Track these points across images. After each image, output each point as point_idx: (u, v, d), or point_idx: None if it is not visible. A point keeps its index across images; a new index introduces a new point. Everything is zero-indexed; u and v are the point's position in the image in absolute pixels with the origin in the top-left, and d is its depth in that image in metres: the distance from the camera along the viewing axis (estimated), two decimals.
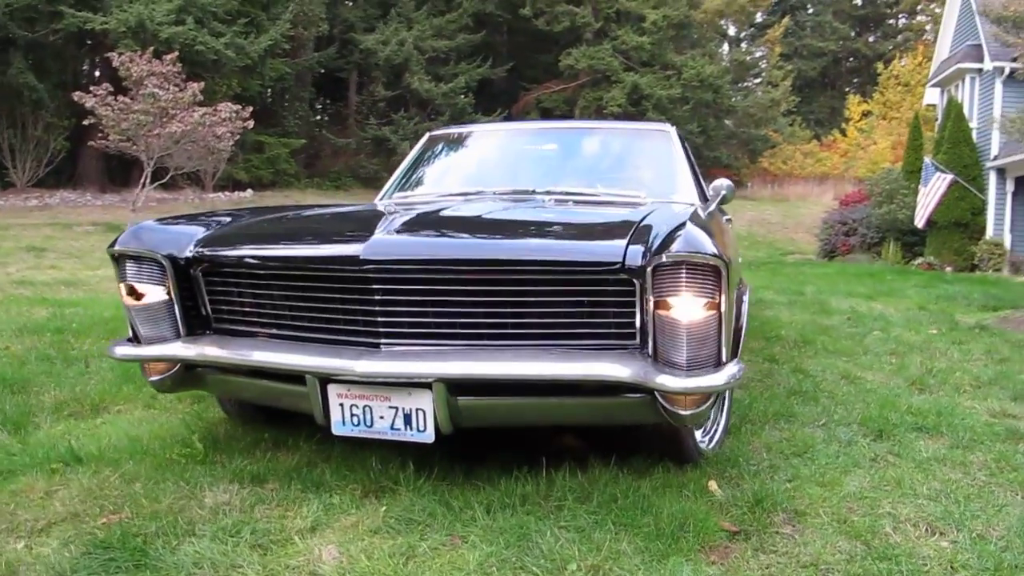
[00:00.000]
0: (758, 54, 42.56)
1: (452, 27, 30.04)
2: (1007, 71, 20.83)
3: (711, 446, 3.41)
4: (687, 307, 2.59)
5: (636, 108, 32.28)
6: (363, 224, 3.25)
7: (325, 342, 2.81)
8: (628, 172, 4.57)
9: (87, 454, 3.13)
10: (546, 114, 34.16)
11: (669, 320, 2.60)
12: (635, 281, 2.63)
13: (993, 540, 2.71)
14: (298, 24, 24.88)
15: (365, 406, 2.72)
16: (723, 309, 2.60)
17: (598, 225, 3.28)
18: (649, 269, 2.58)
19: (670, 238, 2.66)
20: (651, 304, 2.61)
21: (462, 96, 30.47)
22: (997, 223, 20.44)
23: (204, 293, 3.02)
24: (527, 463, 3.07)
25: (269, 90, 26.74)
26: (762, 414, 4.01)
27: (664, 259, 2.56)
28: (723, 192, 4.28)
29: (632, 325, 2.71)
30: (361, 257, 2.64)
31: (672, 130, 4.81)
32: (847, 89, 50.96)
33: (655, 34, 32.30)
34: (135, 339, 3.06)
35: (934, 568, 2.51)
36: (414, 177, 4.77)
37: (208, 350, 2.88)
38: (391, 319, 2.71)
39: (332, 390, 2.73)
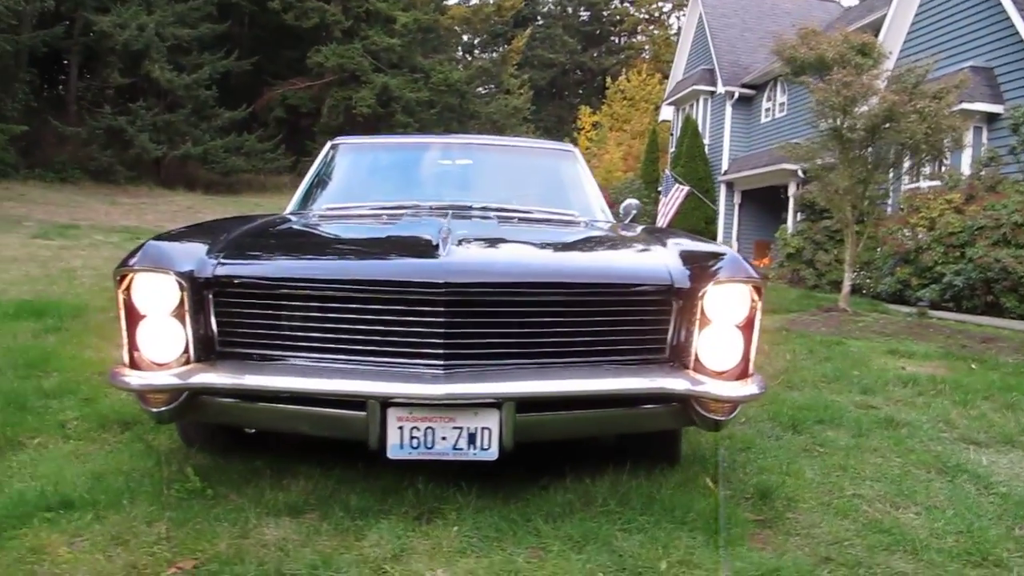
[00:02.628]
0: (491, 60, 44.10)
1: (195, 15, 28.36)
2: (736, 95, 23.34)
3: None
4: (733, 323, 2.88)
5: (385, 109, 32.38)
6: (409, 241, 3.18)
7: (373, 364, 2.72)
8: (549, 190, 4.73)
9: (78, 498, 2.78)
10: (292, 111, 33.32)
11: (716, 335, 2.86)
12: (674, 300, 2.85)
13: (943, 509, 3.23)
14: None
15: (427, 428, 2.68)
16: (757, 324, 2.89)
17: (621, 247, 3.42)
18: (702, 290, 2.79)
19: (712, 262, 2.92)
20: (695, 320, 2.84)
21: (204, 88, 28.88)
22: (727, 231, 22.86)
23: (213, 314, 2.79)
24: (543, 475, 3.16)
25: None
26: None
27: (717, 281, 2.80)
28: (633, 211, 4.63)
29: (663, 340, 2.91)
30: (440, 280, 2.61)
31: (576, 150, 5.08)
32: (574, 100, 54.27)
33: (405, 36, 32.57)
34: (133, 365, 2.77)
35: (923, 535, 2.94)
36: (335, 187, 4.62)
37: (246, 378, 2.67)
38: (454, 340, 2.69)
39: (392, 414, 2.66)
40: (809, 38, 9.59)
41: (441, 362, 2.69)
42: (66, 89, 30.12)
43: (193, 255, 2.78)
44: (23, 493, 2.79)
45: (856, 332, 8.39)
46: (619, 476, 3.20)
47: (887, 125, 8.70)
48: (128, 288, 2.73)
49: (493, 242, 3.25)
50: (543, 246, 3.46)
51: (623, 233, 3.72)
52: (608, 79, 43.64)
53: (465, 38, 48.62)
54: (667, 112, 29.17)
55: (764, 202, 23.09)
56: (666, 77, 40.53)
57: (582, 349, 2.85)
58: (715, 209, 22.84)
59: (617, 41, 56.25)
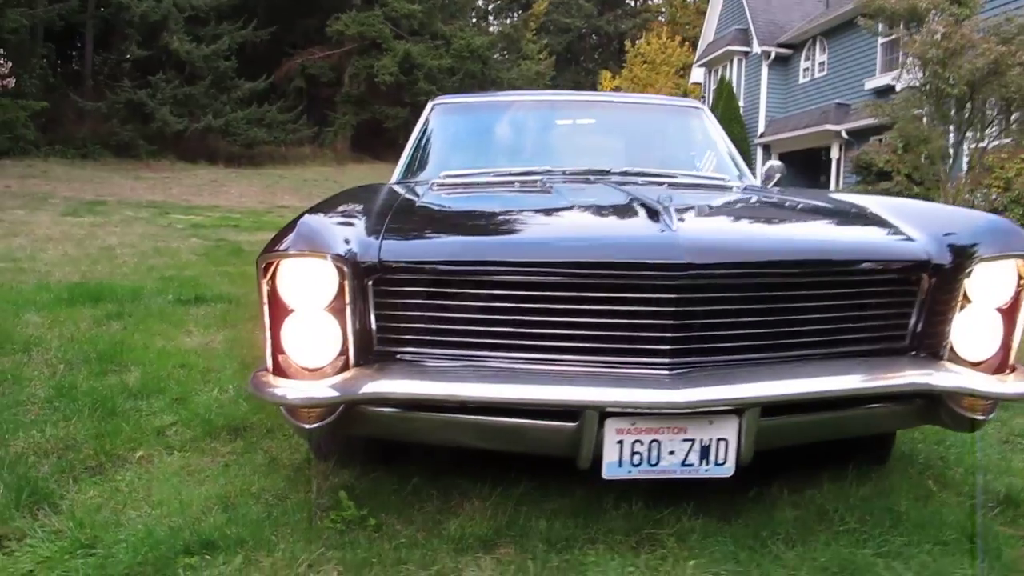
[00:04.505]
0: (511, 25, 43.10)
1: None
2: (773, 55, 22.57)
3: None
4: (995, 305, 2.40)
5: (408, 77, 31.60)
6: (617, 212, 2.64)
7: (577, 364, 2.21)
8: (686, 151, 4.21)
9: (218, 535, 2.27)
10: (312, 81, 32.63)
11: (975, 319, 2.38)
12: (926, 278, 2.33)
13: None
14: None
15: (652, 441, 2.17)
16: None
17: (839, 218, 2.88)
18: (968, 266, 2.29)
19: (974, 231, 2.42)
20: (951, 302, 2.35)
21: (223, 60, 28.22)
22: None
23: (372, 307, 2.26)
24: (746, 481, 2.65)
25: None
26: None
27: (984, 257, 2.32)
28: (777, 175, 4.11)
29: (904, 326, 2.41)
30: (680, 260, 2.08)
31: (705, 107, 4.54)
32: (590, 65, 53.46)
33: (425, 2, 31.74)
34: (277, 371, 2.25)
35: None
36: (446, 151, 4.09)
37: (432, 386, 2.15)
38: (683, 333, 2.18)
39: (610, 426, 2.15)
40: None
41: (667, 360, 2.18)
42: (82, 64, 29.47)
43: (353, 234, 2.25)
44: (151, 530, 2.29)
45: None
46: (838, 483, 2.71)
47: (990, 79, 8.06)
48: (273, 277, 2.20)
49: (709, 213, 2.71)
50: (762, 218, 2.92)
51: (815, 200, 3.18)
52: (627, 43, 42.83)
53: (480, 3, 47.64)
54: (698, 74, 28.41)
55: (802, 165, 22.41)
56: (685, 40, 39.83)
57: (819, 339, 2.34)
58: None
59: (633, 4, 55.20)
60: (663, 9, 52.86)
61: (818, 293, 2.31)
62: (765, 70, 23.34)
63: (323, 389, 2.13)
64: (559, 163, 3.72)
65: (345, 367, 2.23)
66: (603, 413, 2.14)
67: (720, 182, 3.73)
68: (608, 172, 3.59)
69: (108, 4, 26.09)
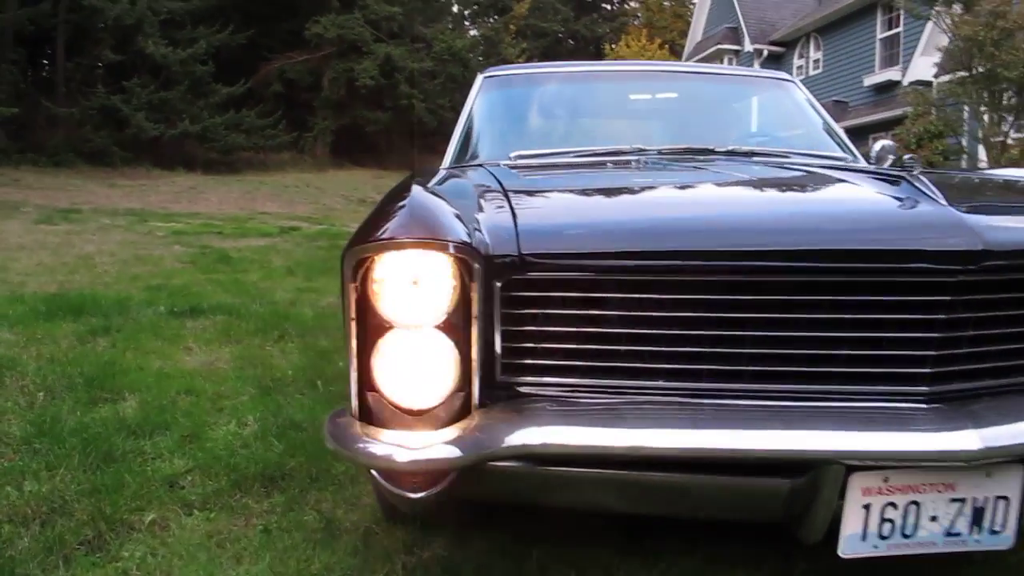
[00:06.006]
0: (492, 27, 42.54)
1: None
2: (765, 53, 22.15)
3: None
4: None
5: (388, 80, 30.94)
6: (814, 188, 2.00)
7: (794, 395, 1.55)
8: (787, 127, 3.58)
9: None
10: (290, 85, 31.83)
11: None
12: None
13: None
14: None
15: (909, 504, 1.51)
16: None
17: None
18: None
19: None
20: None
21: (200, 64, 27.36)
22: None
23: (498, 321, 1.58)
24: None
25: None
26: None
27: None
28: (890, 156, 3.50)
29: None
30: (975, 247, 1.44)
31: (797, 80, 3.91)
32: None
33: (405, 4, 31.09)
34: (367, 416, 1.56)
35: None
36: (511, 130, 3.40)
37: (614, 435, 1.47)
38: (947, 351, 1.55)
39: (855, 484, 1.49)
40: None
41: (925, 389, 1.54)
42: (54, 69, 28.50)
43: (483, 219, 1.58)
44: None
45: None
46: None
47: None
48: (366, 279, 1.52)
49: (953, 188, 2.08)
50: (996, 196, 2.27)
51: (988, 176, 2.57)
52: (605, 46, 42.42)
53: (455, 9, 47.05)
54: None
55: None
56: (665, 43, 39.46)
57: None
58: None
59: (609, 8, 54.85)
60: (639, 13, 52.54)
61: None
62: (758, 68, 22.91)
63: (445, 446, 1.44)
64: (645, 141, 3.07)
65: (465, 409, 1.55)
66: (849, 467, 1.48)
67: (842, 162, 3.10)
68: (711, 151, 2.96)
69: (80, 8, 25.19)
